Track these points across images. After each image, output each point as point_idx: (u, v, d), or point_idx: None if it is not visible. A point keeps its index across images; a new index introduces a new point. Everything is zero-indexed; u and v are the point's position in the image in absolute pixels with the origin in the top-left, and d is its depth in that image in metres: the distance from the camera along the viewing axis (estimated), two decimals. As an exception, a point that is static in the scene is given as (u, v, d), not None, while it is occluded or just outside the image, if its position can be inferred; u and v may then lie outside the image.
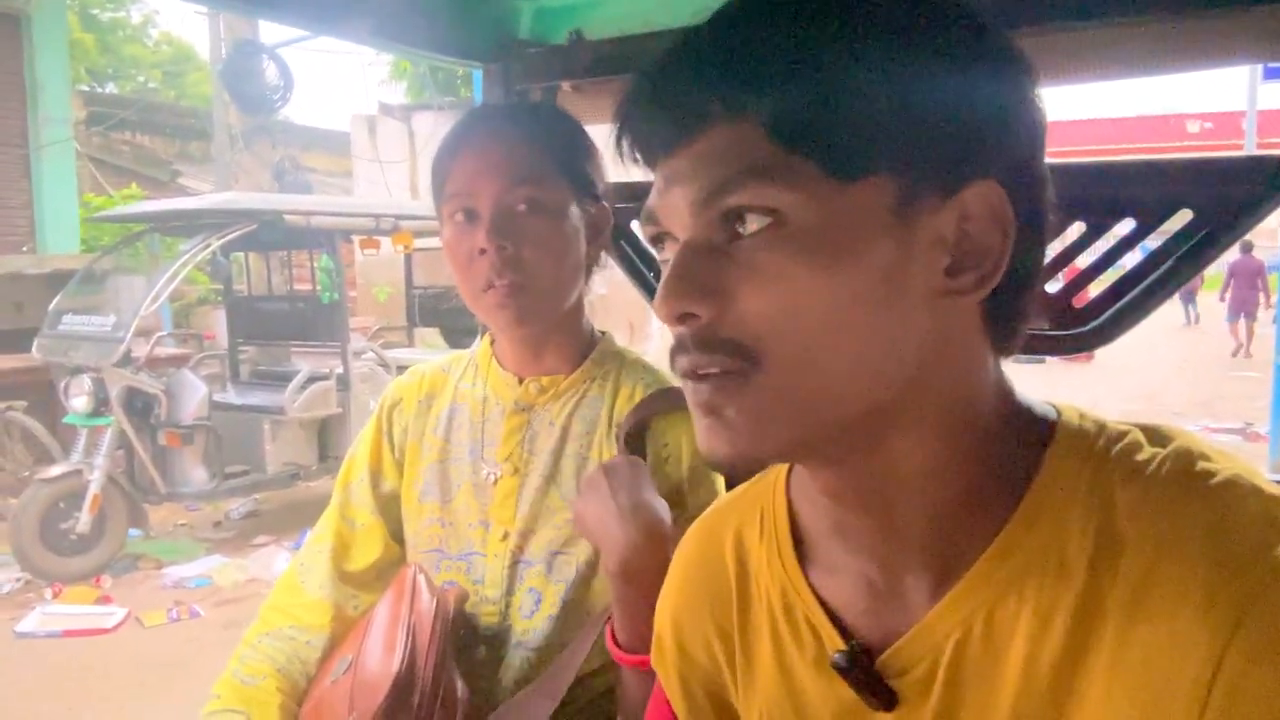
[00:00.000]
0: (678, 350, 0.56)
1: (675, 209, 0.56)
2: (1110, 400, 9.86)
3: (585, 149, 1.10)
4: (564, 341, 1.13)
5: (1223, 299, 14.42)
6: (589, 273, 1.14)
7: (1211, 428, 8.65)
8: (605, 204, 1.11)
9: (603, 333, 1.19)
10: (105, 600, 4.93)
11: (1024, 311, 0.59)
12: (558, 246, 1.06)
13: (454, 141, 1.08)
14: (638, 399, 1.10)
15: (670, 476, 1.07)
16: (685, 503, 1.05)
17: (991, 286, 0.54)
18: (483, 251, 1.02)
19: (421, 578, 1.07)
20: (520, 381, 1.14)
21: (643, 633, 0.87)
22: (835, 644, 0.63)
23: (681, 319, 0.54)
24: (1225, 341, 14.24)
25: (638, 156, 0.59)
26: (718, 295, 0.53)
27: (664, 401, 1.08)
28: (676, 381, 1.10)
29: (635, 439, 1.06)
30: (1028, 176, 0.56)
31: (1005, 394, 0.60)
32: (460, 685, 1.02)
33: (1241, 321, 13.94)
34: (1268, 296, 14.38)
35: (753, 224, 0.53)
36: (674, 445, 1.08)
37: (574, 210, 1.08)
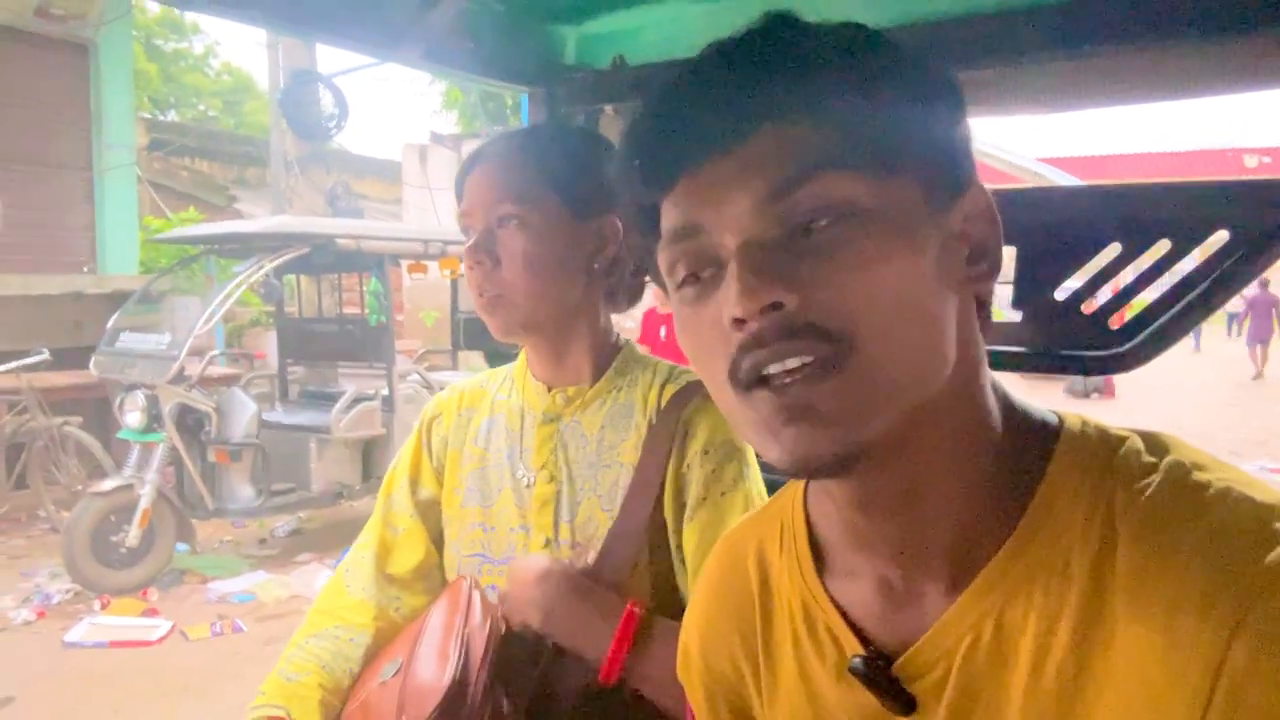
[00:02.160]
0: (752, 346, 0.54)
1: (729, 212, 0.56)
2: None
3: (587, 166, 1.12)
4: (583, 350, 1.15)
5: (1240, 329, 17.31)
6: (605, 285, 1.15)
7: (1271, 468, 8.40)
8: (613, 218, 1.12)
9: (626, 340, 1.21)
10: (151, 613, 5.02)
11: (990, 303, 0.63)
12: (538, 260, 1.08)
13: (467, 165, 1.14)
14: (666, 397, 1.11)
15: (726, 464, 1.07)
16: (721, 481, 1.06)
17: (998, 275, 0.59)
18: (471, 266, 1.09)
19: (477, 594, 1.08)
20: (549, 390, 1.17)
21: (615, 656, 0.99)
22: (854, 650, 0.64)
23: (763, 312, 0.54)
24: (1234, 367, 16.74)
25: (653, 175, 0.60)
26: (801, 282, 0.54)
27: (694, 399, 1.09)
28: (697, 378, 1.11)
29: (670, 434, 1.08)
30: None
31: (1004, 398, 0.62)
32: (506, 704, 1.02)
33: (1259, 348, 16.42)
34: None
35: (825, 215, 0.54)
36: (707, 435, 1.08)
37: (566, 225, 1.10)
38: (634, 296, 1.22)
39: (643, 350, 1.22)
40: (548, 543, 1.12)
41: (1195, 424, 10.59)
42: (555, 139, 1.18)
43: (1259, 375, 16.21)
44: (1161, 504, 0.54)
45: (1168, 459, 0.56)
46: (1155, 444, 0.58)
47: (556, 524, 1.12)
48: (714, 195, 0.56)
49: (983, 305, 0.61)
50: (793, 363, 0.53)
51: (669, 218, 0.60)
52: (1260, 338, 16.55)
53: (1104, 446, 0.58)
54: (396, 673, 1.04)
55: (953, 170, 0.59)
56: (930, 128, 0.58)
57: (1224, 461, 0.57)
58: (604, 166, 1.13)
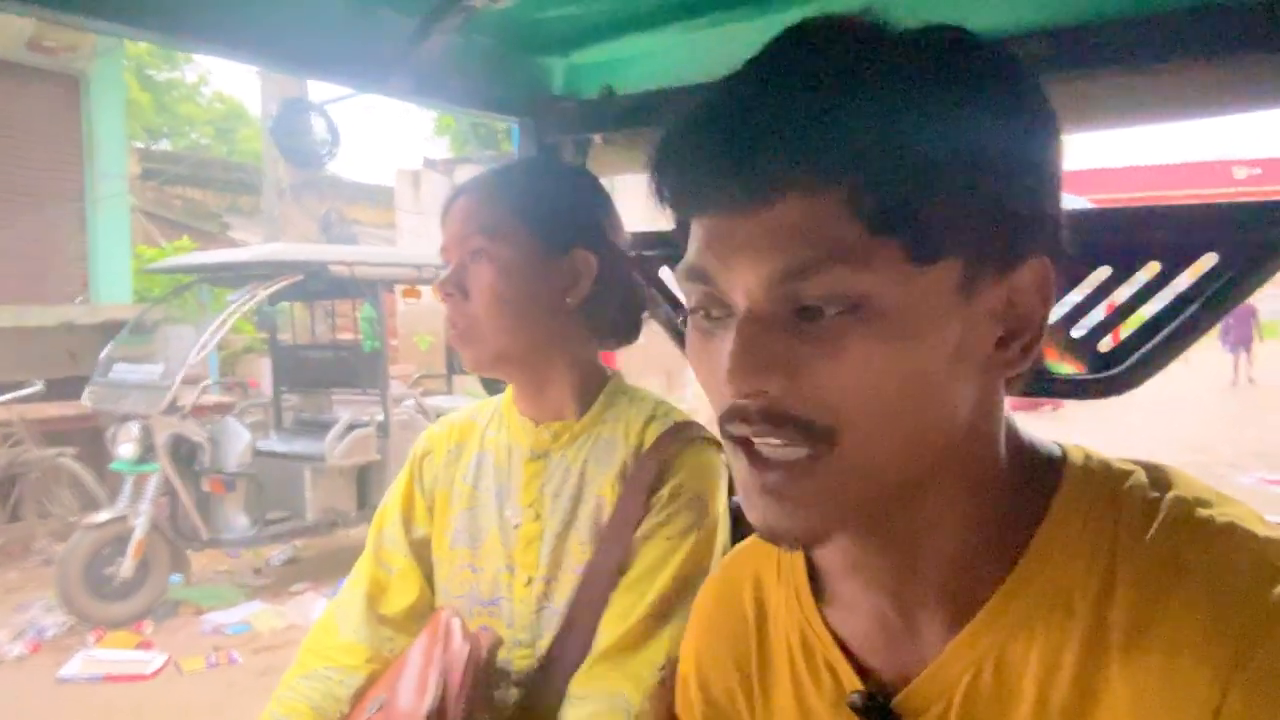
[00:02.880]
0: (735, 418, 0.54)
1: (740, 278, 0.53)
2: (1164, 450, 9.65)
3: (561, 200, 1.12)
4: (564, 384, 1.15)
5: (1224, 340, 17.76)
6: (585, 319, 1.14)
7: (1269, 480, 8.40)
8: (588, 253, 1.11)
9: (614, 372, 1.21)
10: (146, 646, 4.98)
11: (1040, 360, 0.59)
12: (506, 295, 1.08)
13: (448, 199, 1.15)
14: (649, 435, 1.11)
15: (685, 510, 1.07)
16: (672, 524, 1.05)
17: (1035, 354, 0.55)
18: (443, 299, 1.11)
19: (456, 621, 1.08)
20: (536, 426, 1.16)
21: None
22: (853, 684, 0.64)
23: (750, 394, 0.53)
24: (1215, 374, 17.03)
25: (675, 202, 0.57)
26: (790, 371, 0.52)
27: (677, 442, 1.09)
28: (683, 417, 1.12)
29: (652, 476, 1.08)
30: (1061, 236, 0.57)
31: (1014, 435, 0.61)
32: None
33: (1239, 355, 17.26)
34: (1260, 334, 18.49)
35: (832, 306, 0.51)
36: (679, 480, 1.08)
37: (536, 260, 1.10)
38: (629, 333, 1.21)
39: (653, 387, 1.21)
40: (530, 581, 1.12)
41: (1171, 432, 10.60)
42: (532, 173, 1.19)
43: (1249, 379, 17.17)
44: (1164, 543, 0.54)
45: (1170, 495, 0.56)
46: (1159, 479, 0.58)
47: (539, 562, 1.12)
48: (729, 254, 0.53)
49: (1015, 380, 0.59)
50: (774, 442, 0.53)
51: (689, 246, 0.57)
52: (1241, 344, 17.18)
53: (1107, 482, 0.58)
54: (379, 710, 1.04)
55: (1012, 244, 0.53)
56: (1000, 195, 0.52)
57: (1227, 496, 0.57)
58: (580, 201, 1.13)
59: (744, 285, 0.53)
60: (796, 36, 0.53)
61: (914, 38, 0.53)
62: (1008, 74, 0.54)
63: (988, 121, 0.51)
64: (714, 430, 0.67)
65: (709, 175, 0.53)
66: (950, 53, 0.53)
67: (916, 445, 0.54)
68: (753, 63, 0.54)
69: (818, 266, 0.50)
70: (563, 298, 1.12)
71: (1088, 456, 0.61)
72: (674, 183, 0.56)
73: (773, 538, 0.56)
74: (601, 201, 1.17)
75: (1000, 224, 0.52)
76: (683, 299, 0.61)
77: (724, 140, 0.52)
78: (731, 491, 1.14)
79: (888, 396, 0.52)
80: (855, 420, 0.52)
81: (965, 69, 0.52)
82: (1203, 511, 0.54)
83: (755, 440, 0.54)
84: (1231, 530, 0.53)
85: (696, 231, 0.56)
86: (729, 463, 0.58)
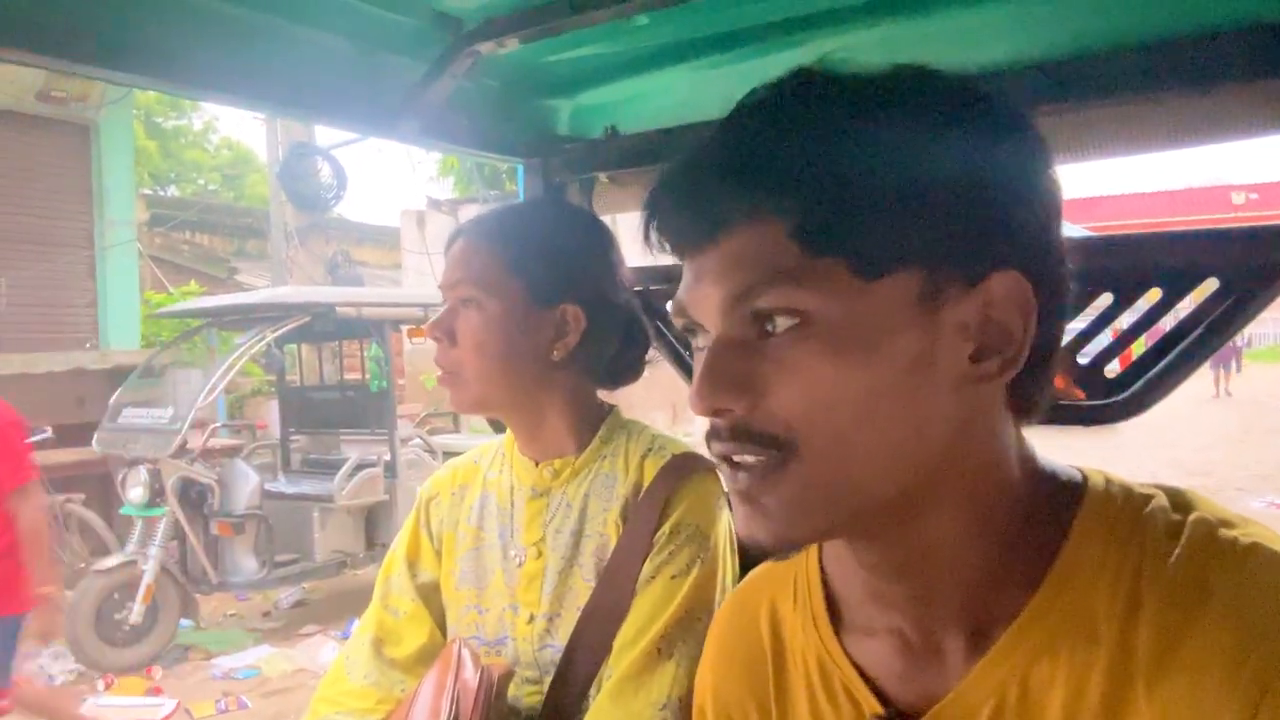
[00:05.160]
0: (713, 437, 0.58)
1: (705, 305, 0.58)
2: (1169, 473, 9.59)
3: (555, 253, 1.13)
4: (560, 424, 1.16)
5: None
6: (578, 366, 1.14)
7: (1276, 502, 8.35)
8: (577, 308, 1.12)
9: (612, 406, 1.22)
10: (156, 691, 4.94)
11: (1046, 383, 0.60)
12: (488, 345, 1.10)
13: (449, 239, 1.17)
14: (647, 469, 1.11)
15: (687, 546, 1.07)
16: (675, 562, 1.05)
17: (1015, 370, 0.56)
18: (433, 340, 1.13)
19: (466, 651, 1.08)
20: (536, 465, 1.17)
21: None
22: (873, 710, 0.63)
23: (716, 413, 0.57)
24: (1196, 390, 17.79)
25: (668, 247, 0.62)
26: (750, 390, 0.56)
27: (675, 476, 1.10)
28: (680, 449, 1.12)
29: (653, 512, 1.08)
30: (1048, 255, 0.57)
31: (1028, 460, 0.61)
32: None
33: (1220, 371, 18.50)
34: (1238, 355, 20.22)
35: (781, 323, 0.55)
36: (679, 515, 1.08)
37: (523, 313, 1.10)
38: (627, 376, 1.21)
39: (660, 423, 1.22)
40: (532, 619, 1.12)
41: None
42: (530, 221, 1.18)
43: (1217, 396, 18.36)
44: (1188, 565, 0.54)
45: (1193, 516, 0.56)
46: (1180, 501, 0.58)
47: (541, 600, 1.12)
48: (697, 285, 0.59)
49: (1020, 392, 0.59)
50: (746, 458, 0.56)
51: (681, 287, 0.62)
52: (1222, 360, 18.12)
53: (1129, 505, 0.58)
54: None
55: (976, 256, 0.54)
56: (938, 214, 0.54)
57: (1248, 518, 0.57)
58: (575, 251, 1.14)
59: (709, 313, 0.58)
60: (765, 89, 0.58)
61: (870, 77, 0.57)
62: (962, 99, 0.56)
63: (931, 142, 0.53)
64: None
65: (679, 216, 0.59)
66: (899, 85, 0.56)
67: (886, 459, 0.55)
68: (730, 114, 0.59)
69: (762, 285, 0.54)
70: (549, 350, 1.12)
71: (1108, 480, 0.61)
72: (658, 226, 0.61)
73: (750, 541, 0.58)
74: (599, 247, 1.17)
75: (959, 236, 0.54)
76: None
77: (689, 184, 0.58)
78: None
79: (841, 412, 0.54)
80: (810, 433, 0.54)
81: (909, 98, 0.56)
82: (1226, 533, 0.54)
83: (733, 458, 0.57)
84: (1256, 551, 0.53)
85: (684, 272, 0.61)
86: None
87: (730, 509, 1.12)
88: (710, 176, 0.57)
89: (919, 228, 0.53)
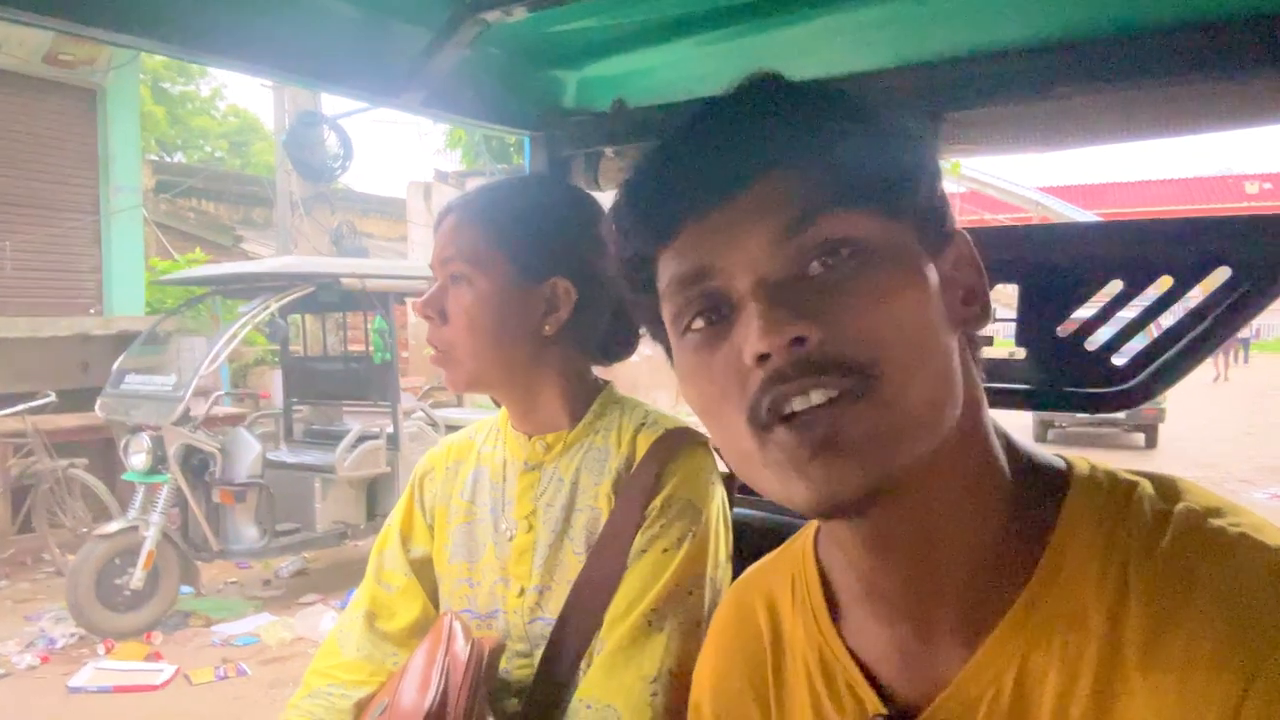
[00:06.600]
0: (775, 382, 0.54)
1: (741, 254, 0.57)
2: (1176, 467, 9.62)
3: (544, 228, 1.12)
4: (553, 399, 1.16)
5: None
6: (569, 342, 1.14)
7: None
8: (568, 282, 1.12)
9: (606, 382, 1.21)
10: (155, 657, 4.99)
11: (980, 347, 0.65)
12: (479, 321, 1.10)
13: (439, 216, 1.16)
14: (640, 443, 1.11)
15: (679, 519, 1.06)
16: (666, 537, 1.05)
17: (987, 321, 0.61)
18: (425, 319, 1.13)
19: (458, 624, 1.08)
20: (529, 439, 1.17)
21: None
22: (874, 705, 0.63)
23: (787, 346, 0.54)
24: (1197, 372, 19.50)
25: (649, 228, 0.61)
26: (820, 314, 0.54)
27: (668, 449, 1.09)
28: (674, 424, 1.11)
29: (646, 485, 1.07)
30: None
31: (1010, 443, 0.63)
32: None
33: (1220, 356, 19.07)
34: (1245, 343, 20.94)
35: (838, 251, 0.56)
36: (672, 489, 1.07)
37: (513, 288, 1.10)
38: (621, 350, 1.22)
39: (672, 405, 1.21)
40: (522, 592, 1.12)
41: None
42: (520, 196, 1.18)
43: (1218, 379, 19.06)
44: (1176, 555, 0.54)
45: (1180, 506, 0.56)
46: (1167, 489, 0.58)
47: (532, 573, 1.12)
48: (724, 239, 0.57)
49: (975, 348, 0.64)
50: (817, 397, 0.53)
51: (671, 266, 0.60)
52: (1225, 346, 18.44)
53: (1115, 493, 0.58)
54: (382, 713, 1.03)
55: (941, 216, 0.61)
56: (919, 176, 0.61)
57: (1237, 504, 0.57)
58: (567, 226, 1.13)
59: (747, 258, 0.57)
60: (748, 82, 0.62)
61: (832, 89, 0.63)
62: (892, 115, 0.64)
63: (892, 134, 0.61)
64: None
65: (691, 175, 0.59)
66: (855, 99, 0.63)
67: (947, 385, 0.57)
68: (703, 110, 0.62)
69: (813, 214, 0.56)
70: (540, 325, 1.12)
71: (1093, 467, 0.61)
72: (654, 200, 0.60)
73: (830, 500, 0.54)
74: (589, 221, 1.16)
75: (930, 200, 0.61)
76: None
77: (699, 145, 0.60)
78: (729, 491, 1.14)
79: (915, 328, 0.56)
80: (894, 353, 0.54)
81: (868, 109, 0.62)
82: (1214, 522, 0.55)
83: (797, 404, 0.54)
84: (1243, 542, 0.53)
85: (678, 248, 0.60)
86: (761, 465, 0.57)
87: (727, 484, 1.13)
88: (740, 132, 0.59)
89: (912, 186, 0.60)
